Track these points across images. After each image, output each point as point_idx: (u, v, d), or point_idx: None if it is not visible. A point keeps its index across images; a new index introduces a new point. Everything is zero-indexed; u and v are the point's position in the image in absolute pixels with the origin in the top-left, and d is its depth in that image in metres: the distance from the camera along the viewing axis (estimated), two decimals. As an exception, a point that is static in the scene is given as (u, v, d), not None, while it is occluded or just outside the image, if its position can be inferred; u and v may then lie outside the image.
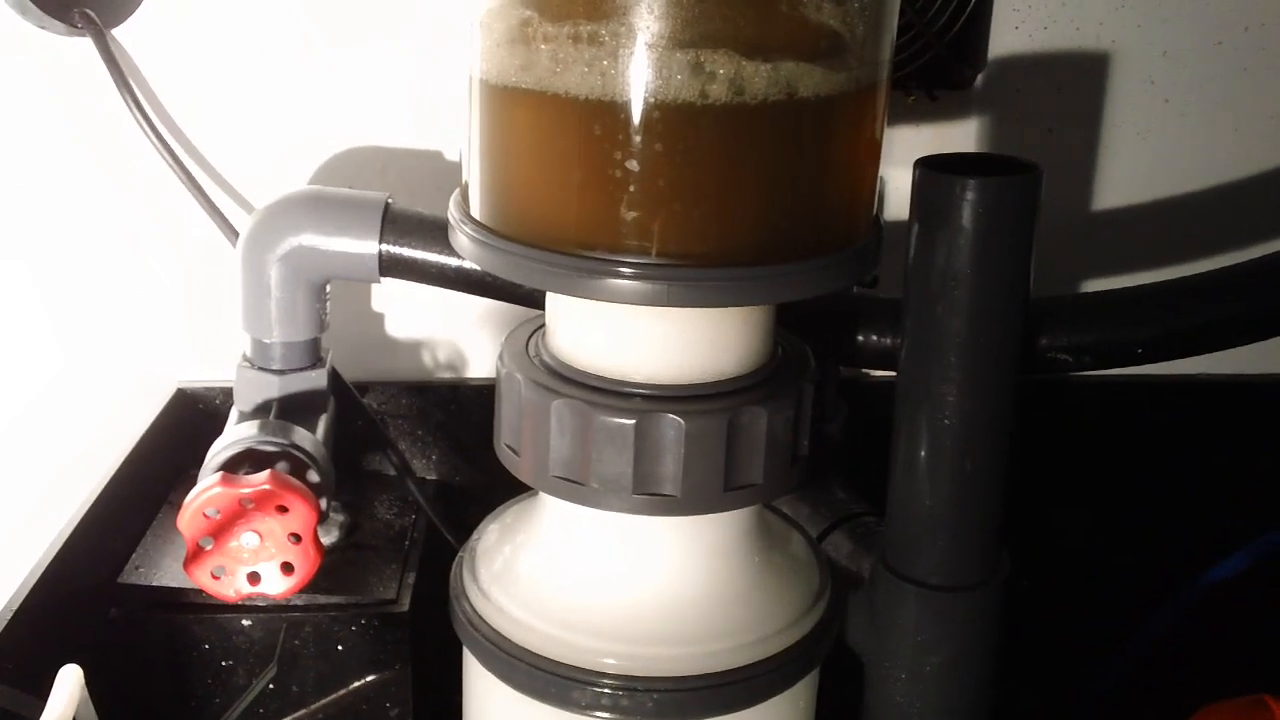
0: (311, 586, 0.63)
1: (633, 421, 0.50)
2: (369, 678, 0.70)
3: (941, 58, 0.81)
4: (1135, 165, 0.90)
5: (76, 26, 0.79)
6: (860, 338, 0.68)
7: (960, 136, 0.88)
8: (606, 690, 0.53)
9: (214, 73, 0.83)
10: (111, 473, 0.74)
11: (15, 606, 0.61)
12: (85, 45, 0.80)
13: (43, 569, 0.64)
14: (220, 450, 0.65)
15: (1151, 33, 0.87)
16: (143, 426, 0.80)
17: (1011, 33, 0.86)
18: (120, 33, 0.81)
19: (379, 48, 0.83)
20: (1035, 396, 0.63)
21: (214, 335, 0.87)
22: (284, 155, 0.85)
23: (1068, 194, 0.91)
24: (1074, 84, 0.88)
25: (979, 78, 0.85)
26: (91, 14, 0.79)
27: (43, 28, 0.79)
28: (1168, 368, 0.68)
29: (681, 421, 0.50)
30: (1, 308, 0.86)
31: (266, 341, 0.71)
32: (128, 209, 0.85)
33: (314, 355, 0.72)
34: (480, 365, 0.90)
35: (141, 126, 0.79)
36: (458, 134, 0.85)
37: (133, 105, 0.79)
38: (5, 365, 0.87)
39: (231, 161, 0.85)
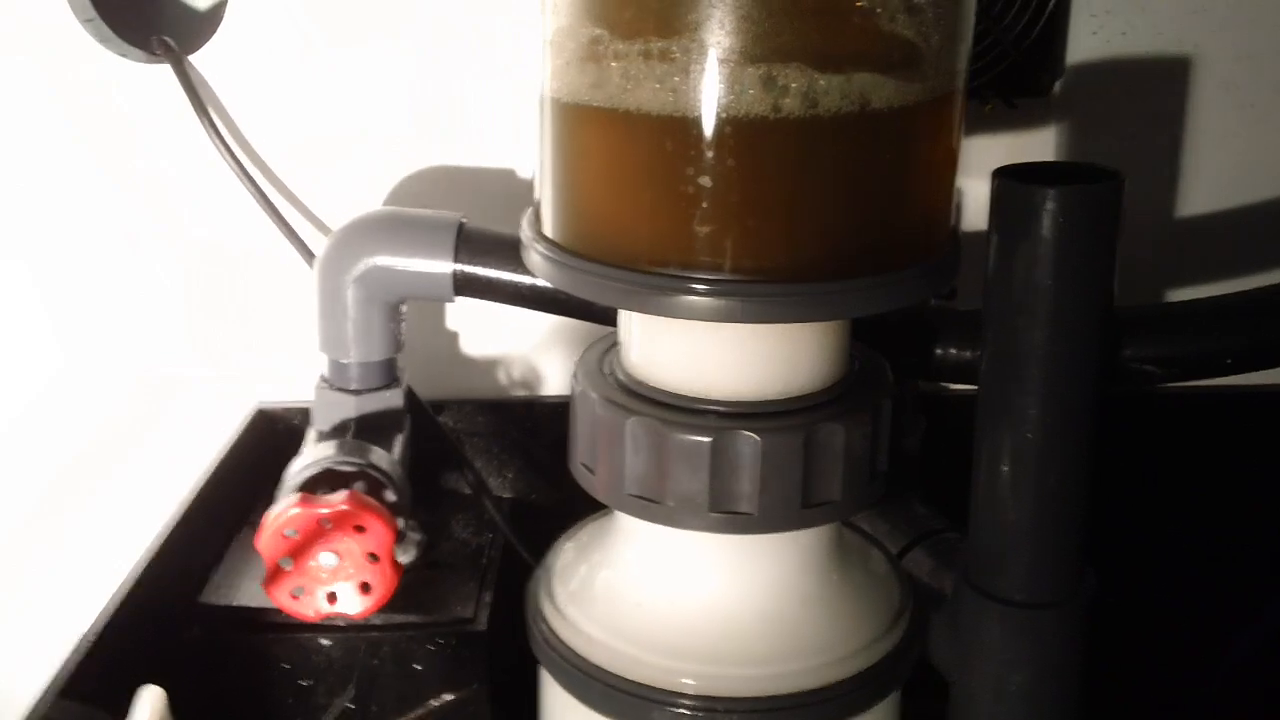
0: (389, 606, 0.63)
1: (709, 439, 0.50)
2: (447, 697, 0.70)
3: (1018, 65, 0.80)
4: (1218, 171, 0.88)
5: (155, 54, 0.80)
6: (939, 351, 0.67)
7: (1039, 144, 0.86)
8: (685, 710, 0.52)
9: (280, 90, 0.84)
10: (194, 493, 0.74)
11: (99, 627, 0.62)
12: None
13: (125, 590, 0.65)
14: (298, 471, 0.66)
15: (1232, 37, 0.85)
16: (222, 444, 0.81)
17: (1089, 38, 0.84)
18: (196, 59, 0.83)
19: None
20: (1122, 409, 0.62)
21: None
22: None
23: (1150, 201, 0.89)
24: (1153, 89, 0.86)
25: (1057, 84, 0.84)
26: (170, 41, 0.80)
27: (123, 56, 0.80)
28: (1258, 378, 0.66)
29: (758, 439, 0.50)
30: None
31: (344, 362, 0.71)
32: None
33: (390, 375, 0.73)
34: (554, 383, 0.90)
35: (220, 151, 0.80)
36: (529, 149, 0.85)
37: (211, 131, 0.80)
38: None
39: (298, 180, 0.86)
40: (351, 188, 0.86)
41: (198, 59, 0.83)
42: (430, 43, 0.84)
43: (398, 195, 0.86)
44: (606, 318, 0.68)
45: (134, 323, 0.89)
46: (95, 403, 0.89)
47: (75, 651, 0.60)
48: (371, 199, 0.86)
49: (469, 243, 0.69)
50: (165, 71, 0.81)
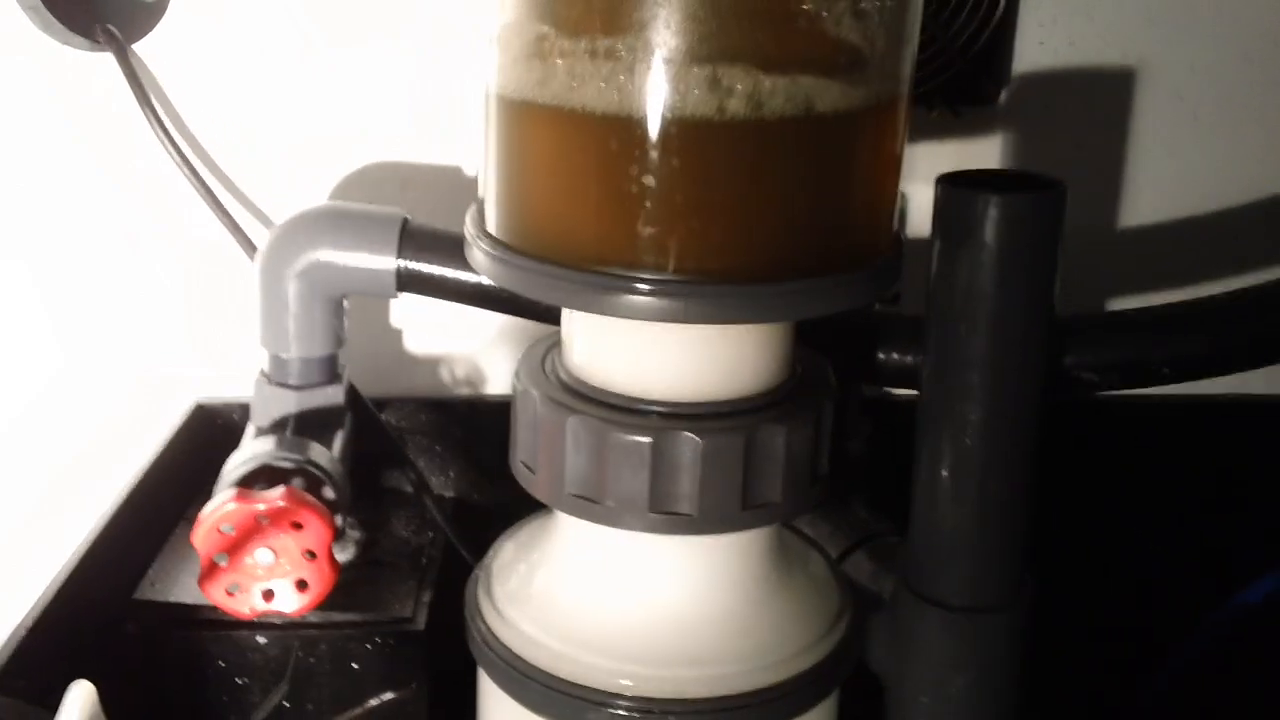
0: (327, 604, 0.62)
1: (649, 439, 0.50)
2: (385, 696, 0.69)
3: (965, 73, 0.80)
4: (1163, 181, 0.89)
5: (98, 42, 0.79)
6: (882, 355, 0.67)
7: (984, 153, 0.87)
8: (622, 711, 0.52)
9: (232, 85, 0.83)
10: (128, 488, 0.73)
11: (29, 623, 0.61)
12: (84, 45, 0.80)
13: (58, 585, 0.64)
14: (236, 466, 0.65)
15: (1180, 48, 0.86)
16: (158, 439, 0.80)
17: (1036, 47, 0.85)
18: (140, 47, 0.82)
19: (378, 46, 0.84)
20: (1061, 416, 0.62)
21: (214, 335, 0.88)
22: (298, 164, 0.85)
23: (1094, 211, 0.90)
24: (1101, 99, 0.87)
25: (1003, 93, 0.85)
26: (113, 30, 0.79)
27: (66, 44, 0.79)
28: (1195, 387, 0.67)
29: (698, 440, 0.49)
30: (1, 308, 0.87)
31: (284, 357, 0.70)
32: (128, 209, 0.85)
33: (331, 371, 0.72)
34: (498, 381, 0.90)
35: (162, 142, 0.79)
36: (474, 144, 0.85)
37: (154, 121, 0.79)
38: (5, 365, 0.87)
39: (250, 174, 0.85)
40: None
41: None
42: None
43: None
44: (551, 316, 0.68)
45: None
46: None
47: (5, 646, 0.59)
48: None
49: (413, 239, 0.68)
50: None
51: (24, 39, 0.80)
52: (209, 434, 0.85)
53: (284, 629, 0.68)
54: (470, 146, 0.85)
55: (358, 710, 0.69)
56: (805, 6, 0.44)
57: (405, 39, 0.83)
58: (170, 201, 0.84)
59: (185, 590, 0.69)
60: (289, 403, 0.71)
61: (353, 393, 0.74)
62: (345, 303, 0.71)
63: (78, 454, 0.88)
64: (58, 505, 0.88)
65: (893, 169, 0.51)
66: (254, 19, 0.82)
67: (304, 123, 0.84)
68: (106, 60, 0.80)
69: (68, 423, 0.89)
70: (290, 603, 0.61)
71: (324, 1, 0.82)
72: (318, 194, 0.85)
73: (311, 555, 0.61)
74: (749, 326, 0.51)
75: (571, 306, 0.51)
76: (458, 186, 0.85)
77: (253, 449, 0.66)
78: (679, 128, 0.45)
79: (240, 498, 0.60)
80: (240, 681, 0.68)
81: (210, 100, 0.84)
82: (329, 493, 0.65)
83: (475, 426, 0.88)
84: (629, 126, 0.45)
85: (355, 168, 0.85)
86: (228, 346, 0.88)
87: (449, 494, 0.89)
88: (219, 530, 0.60)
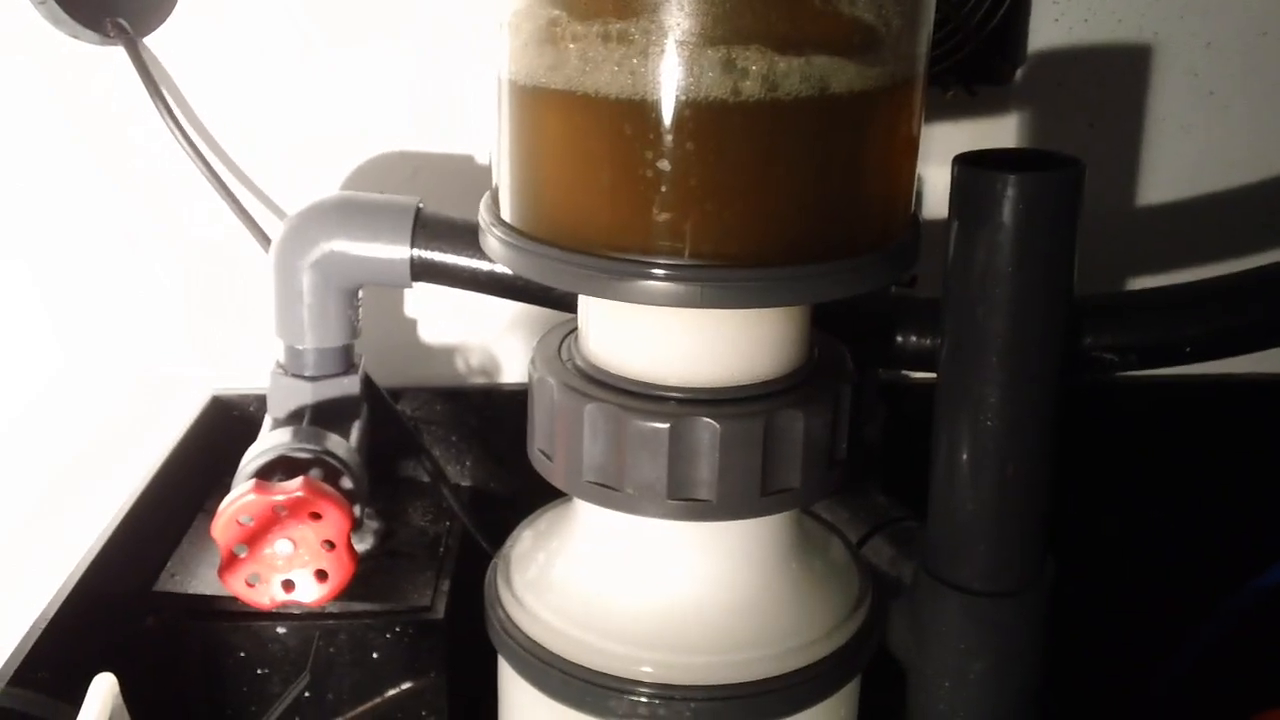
0: (346, 594, 0.62)
1: (667, 425, 0.49)
2: (405, 685, 0.70)
3: (980, 52, 0.80)
4: (1179, 159, 0.89)
5: (109, 36, 0.79)
6: (899, 338, 0.67)
7: (1000, 132, 0.87)
8: (643, 698, 0.52)
9: (242, 77, 0.83)
10: (147, 480, 0.74)
11: (50, 614, 0.61)
12: (86, 44, 0.80)
13: (78, 577, 0.64)
14: (254, 457, 0.65)
15: (1194, 24, 0.86)
16: (175, 432, 0.80)
17: (1051, 25, 0.84)
18: (150, 40, 0.82)
19: (378, 46, 0.84)
20: (1081, 397, 0.62)
21: (213, 334, 0.88)
22: (309, 157, 0.85)
23: (1111, 189, 0.89)
24: (1116, 77, 0.87)
25: (1018, 72, 0.84)
26: (123, 23, 0.79)
27: (76, 38, 0.79)
28: (1214, 367, 0.66)
29: (716, 425, 0.49)
30: (1, 307, 0.87)
31: (299, 348, 0.70)
32: (128, 209, 0.86)
33: (347, 362, 0.72)
34: (513, 370, 0.90)
35: (173, 133, 0.79)
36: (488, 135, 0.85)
37: (165, 113, 0.79)
38: (5, 365, 0.88)
39: (259, 166, 0.85)
40: (351, 187, 0.85)
41: (198, 58, 0.83)
42: (430, 43, 0.83)
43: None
44: (566, 303, 0.68)
45: (134, 323, 0.88)
46: (95, 403, 0.89)
47: (25, 640, 0.59)
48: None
49: (426, 228, 0.68)
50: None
51: (25, 39, 0.80)
52: (226, 426, 0.85)
53: (304, 619, 0.68)
54: (471, 146, 0.85)
55: (378, 699, 0.69)
56: (819, -14, 0.44)
57: (405, 39, 0.83)
58: (170, 201, 0.84)
59: (205, 582, 0.70)
60: (305, 394, 0.71)
61: (368, 383, 0.74)
62: (359, 293, 0.71)
63: (78, 454, 0.88)
64: (58, 505, 0.89)
65: (909, 150, 0.50)
66: (255, 19, 0.82)
67: (304, 122, 0.84)
68: (106, 59, 0.80)
69: (68, 422, 0.89)
70: (310, 593, 0.61)
71: (325, 1, 0.82)
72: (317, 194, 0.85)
73: (330, 545, 0.61)
74: (766, 310, 0.50)
75: (587, 293, 0.51)
76: (460, 187, 0.85)
77: (270, 440, 0.66)
78: (693, 110, 0.44)
79: (259, 489, 0.60)
80: (261, 672, 0.69)
81: (216, 95, 0.84)
82: (347, 483, 0.65)
83: (491, 415, 0.88)
84: (642, 110, 0.45)
85: (355, 168, 0.85)
86: (228, 346, 0.88)
87: (465, 483, 0.89)
88: (238, 521, 0.60)
